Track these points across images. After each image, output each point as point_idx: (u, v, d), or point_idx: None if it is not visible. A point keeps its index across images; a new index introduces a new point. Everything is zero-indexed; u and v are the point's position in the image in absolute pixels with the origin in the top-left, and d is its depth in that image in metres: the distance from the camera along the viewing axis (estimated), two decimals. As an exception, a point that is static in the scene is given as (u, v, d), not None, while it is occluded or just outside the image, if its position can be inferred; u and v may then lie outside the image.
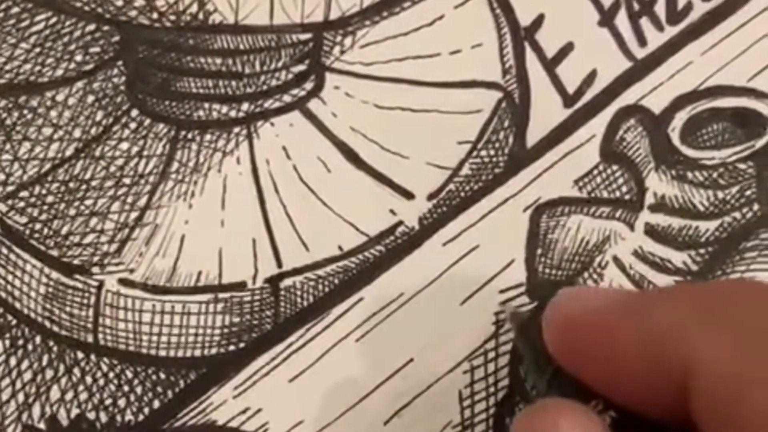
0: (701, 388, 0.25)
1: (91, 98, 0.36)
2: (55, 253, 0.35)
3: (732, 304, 0.26)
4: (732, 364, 0.25)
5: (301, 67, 0.37)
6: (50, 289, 0.35)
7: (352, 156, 0.36)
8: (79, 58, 0.36)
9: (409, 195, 0.36)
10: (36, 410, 0.34)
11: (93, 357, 0.35)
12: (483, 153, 0.37)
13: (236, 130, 0.36)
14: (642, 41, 0.38)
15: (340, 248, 0.36)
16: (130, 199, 0.36)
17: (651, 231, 0.36)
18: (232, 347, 0.35)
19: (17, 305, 0.35)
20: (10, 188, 0.35)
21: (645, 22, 0.38)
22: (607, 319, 0.28)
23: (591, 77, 0.38)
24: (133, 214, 0.36)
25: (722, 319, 0.26)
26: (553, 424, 0.27)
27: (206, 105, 0.36)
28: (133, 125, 0.36)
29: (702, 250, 0.36)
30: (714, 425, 0.25)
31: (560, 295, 0.30)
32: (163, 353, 0.35)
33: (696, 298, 0.27)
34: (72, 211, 0.35)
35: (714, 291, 0.28)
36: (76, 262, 0.35)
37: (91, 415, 0.34)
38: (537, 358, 0.31)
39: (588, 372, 0.28)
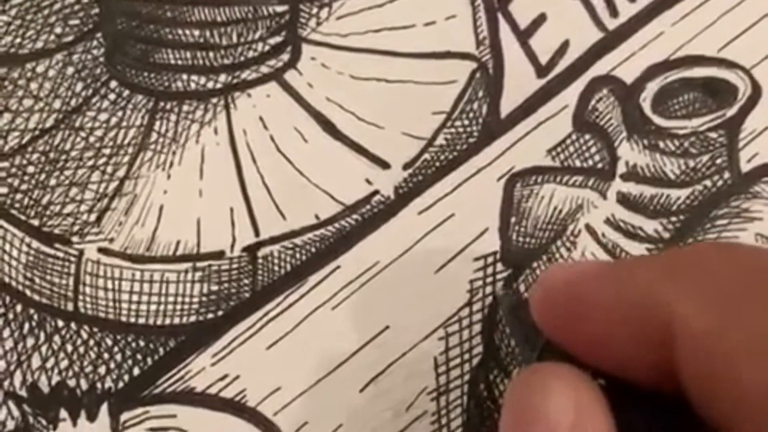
0: (682, 345, 0.25)
1: (70, 70, 0.36)
2: (35, 222, 0.35)
3: (706, 262, 0.27)
4: (709, 318, 0.25)
5: (277, 39, 0.37)
6: (31, 258, 0.35)
7: (328, 126, 0.37)
8: (58, 30, 0.37)
9: (384, 164, 0.37)
10: (17, 378, 0.34)
11: (73, 325, 0.35)
12: (457, 123, 0.37)
13: (214, 101, 0.37)
14: (614, 12, 0.38)
15: (317, 217, 0.36)
16: (109, 170, 0.36)
17: (623, 199, 0.37)
18: (210, 315, 0.35)
19: (-2, 274, 0.35)
20: (-10, 158, 0.36)
21: (617, -7, 0.39)
22: (590, 289, 0.28)
23: (563, 48, 0.38)
24: (113, 184, 0.36)
25: (698, 276, 0.26)
26: (546, 385, 0.27)
27: (184, 76, 0.37)
28: (112, 96, 0.36)
29: (673, 218, 0.37)
30: (692, 381, 0.26)
31: (545, 271, 0.30)
32: (142, 321, 0.35)
33: (672, 260, 0.27)
34: (52, 182, 0.36)
35: (688, 252, 0.28)
36: (56, 231, 0.35)
37: (72, 383, 0.34)
38: (527, 335, 0.31)
39: (575, 343, 0.28)
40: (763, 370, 0.24)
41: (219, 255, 0.36)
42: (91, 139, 0.36)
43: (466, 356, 0.35)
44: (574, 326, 0.28)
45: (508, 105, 0.37)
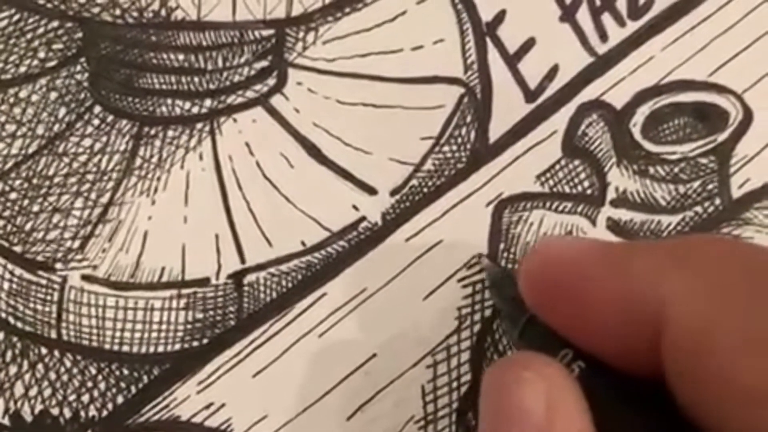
0: (671, 337, 0.25)
1: (54, 95, 0.36)
2: (18, 249, 0.35)
3: (709, 256, 0.26)
4: (702, 315, 0.25)
5: (263, 63, 0.37)
6: (14, 285, 0.35)
7: (314, 151, 0.36)
8: (42, 54, 0.36)
9: (371, 190, 0.36)
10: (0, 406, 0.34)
11: (56, 353, 0.35)
12: (445, 148, 0.37)
13: (199, 126, 0.36)
14: (603, 36, 0.38)
15: (303, 244, 0.36)
16: (93, 196, 0.36)
17: (613, 226, 0.36)
18: (195, 343, 0.35)
19: (-20, 302, 0.35)
20: (-28, 185, 0.35)
21: (606, 18, 0.38)
22: (584, 268, 0.28)
23: (553, 72, 0.38)
24: (97, 211, 0.36)
25: (698, 270, 0.26)
26: (518, 376, 0.27)
27: (169, 101, 0.36)
28: (96, 122, 0.36)
29: (664, 245, 0.36)
30: (679, 375, 0.25)
31: (538, 243, 0.30)
32: (126, 349, 0.35)
33: (673, 250, 0.27)
34: (35, 208, 0.35)
35: (691, 244, 0.27)
36: (39, 258, 0.35)
37: (55, 411, 0.34)
38: (511, 308, 0.31)
39: (562, 321, 0.28)
40: (757, 370, 0.24)
41: (204, 282, 0.35)
42: (75, 164, 0.36)
43: (454, 384, 0.35)
44: (563, 306, 0.28)
45: (496, 130, 0.37)
